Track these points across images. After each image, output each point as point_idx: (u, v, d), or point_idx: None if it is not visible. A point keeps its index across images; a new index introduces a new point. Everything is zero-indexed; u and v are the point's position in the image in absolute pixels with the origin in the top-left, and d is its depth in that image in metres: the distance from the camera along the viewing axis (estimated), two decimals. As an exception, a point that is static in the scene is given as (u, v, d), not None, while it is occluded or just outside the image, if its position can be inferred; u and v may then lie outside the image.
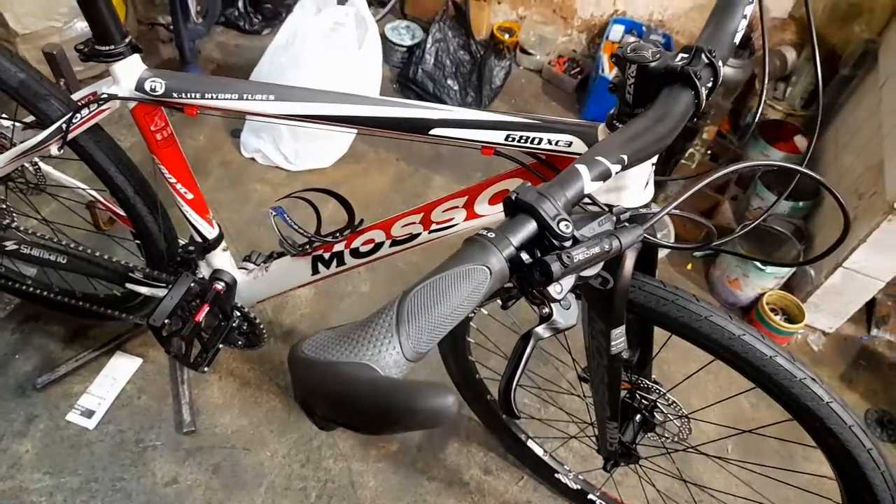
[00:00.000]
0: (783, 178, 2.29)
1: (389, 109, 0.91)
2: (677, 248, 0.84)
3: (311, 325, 1.81)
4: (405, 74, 2.45)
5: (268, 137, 2.10)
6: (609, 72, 2.45)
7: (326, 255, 1.18)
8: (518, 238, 0.49)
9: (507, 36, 2.68)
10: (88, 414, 1.54)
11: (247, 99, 0.95)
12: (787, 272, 1.99)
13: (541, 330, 0.52)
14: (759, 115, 0.87)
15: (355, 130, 0.93)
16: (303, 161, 2.14)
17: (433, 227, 1.04)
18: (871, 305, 2.13)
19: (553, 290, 0.50)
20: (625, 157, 0.58)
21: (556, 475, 1.55)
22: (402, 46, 2.50)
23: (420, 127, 0.90)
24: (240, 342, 1.43)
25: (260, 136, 2.12)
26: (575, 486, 1.53)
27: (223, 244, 1.29)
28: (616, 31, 2.55)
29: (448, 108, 0.90)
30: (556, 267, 0.49)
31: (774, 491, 1.36)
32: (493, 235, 0.49)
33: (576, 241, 0.52)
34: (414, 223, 1.05)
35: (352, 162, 2.22)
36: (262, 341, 1.43)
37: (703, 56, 0.69)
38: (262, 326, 1.39)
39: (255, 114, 0.96)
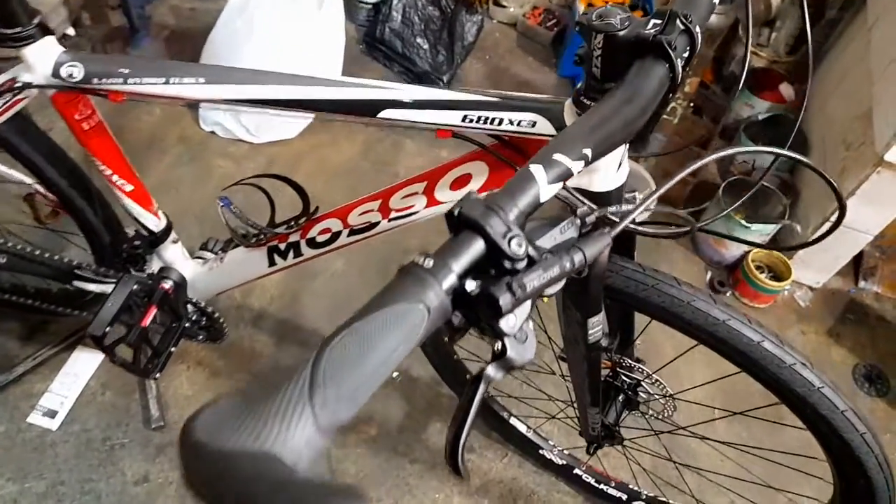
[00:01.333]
0: (768, 129, 2.20)
1: (331, 90, 0.81)
2: (658, 235, 0.76)
3: (282, 307, 1.73)
4: (371, 34, 2.32)
5: (226, 108, 1.98)
6: (586, 23, 2.33)
7: (282, 246, 1.10)
8: (461, 263, 0.42)
9: (478, -12, 2.54)
10: (51, 414, 1.47)
11: (174, 83, 0.85)
12: (772, 229, 1.93)
13: (492, 371, 0.45)
14: (746, 67, 0.78)
15: (294, 113, 0.83)
16: (266, 133, 2.03)
17: (392, 214, 0.96)
18: (858, 258, 2.08)
19: (505, 323, 0.42)
20: (588, 152, 0.50)
21: (540, 451, 1.51)
22: (367, 3, 2.36)
23: (367, 109, 0.81)
24: (200, 336, 1.35)
25: (218, 107, 2.00)
26: (560, 462, 1.50)
27: (173, 235, 1.20)
28: (592, -21, 2.42)
29: (398, 87, 0.81)
30: (505, 300, 0.41)
31: (765, 470, 1.32)
32: (432, 264, 0.41)
33: (532, 262, 0.44)
34: (372, 211, 0.97)
35: (319, 131, 2.12)
36: (224, 335, 1.35)
37: (677, 22, 0.60)
38: (222, 320, 1.31)
39: (184, 99, 0.86)
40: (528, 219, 0.47)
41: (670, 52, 0.58)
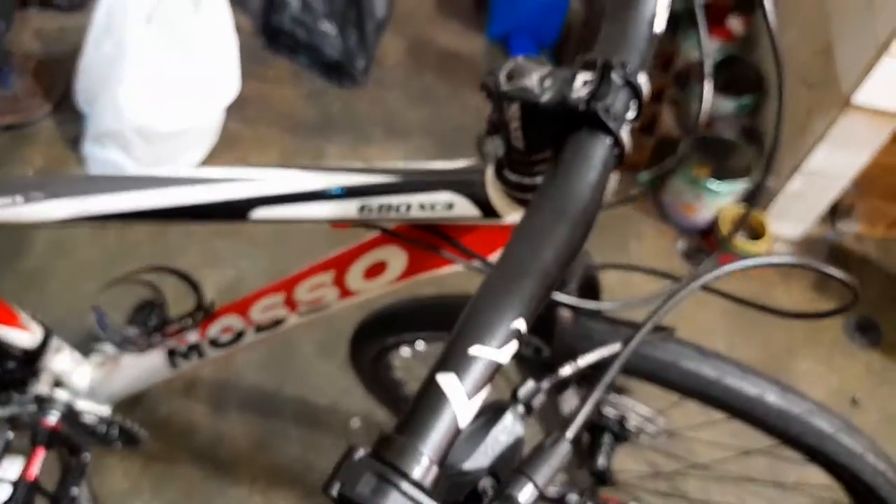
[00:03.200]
0: (721, 71, 2.01)
1: (187, 193, 0.59)
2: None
3: (216, 368, 1.52)
4: (269, 24, 2.04)
5: (113, 145, 1.71)
6: (509, -22, 2.09)
7: (182, 348, 0.89)
8: None
9: (382, -47, 2.26)
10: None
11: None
12: (742, 185, 1.77)
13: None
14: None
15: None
16: (164, 162, 1.77)
17: (301, 308, 0.75)
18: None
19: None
20: (520, 324, 0.34)
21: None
22: (259, -9, 2.07)
23: (233, 212, 0.59)
24: (117, 444, 1.15)
25: (105, 144, 1.73)
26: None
27: (55, 343, 0.98)
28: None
29: (275, 174, 0.59)
30: None
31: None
32: None
33: None
34: (276, 305, 0.76)
35: (226, 150, 1.86)
36: (143, 440, 1.15)
37: (613, 76, 0.42)
38: (135, 428, 1.11)
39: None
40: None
41: (611, 124, 0.40)
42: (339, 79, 2.03)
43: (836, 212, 1.95)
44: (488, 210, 0.56)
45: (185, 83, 1.64)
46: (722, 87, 2.00)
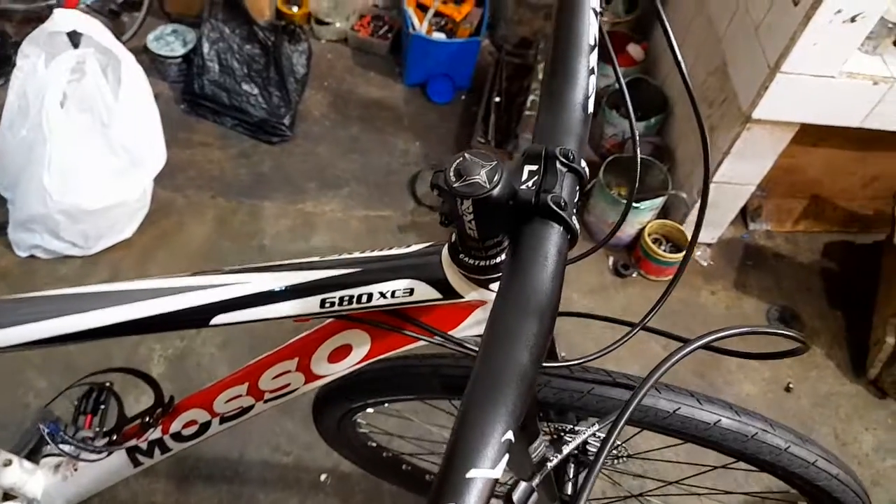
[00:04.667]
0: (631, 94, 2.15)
1: (144, 307, 0.61)
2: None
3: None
4: (190, 90, 2.05)
5: (41, 228, 1.67)
6: (420, 26, 2.17)
7: (143, 446, 0.89)
8: None
9: (295, 9, 2.31)
10: None
11: None
12: (660, 202, 1.89)
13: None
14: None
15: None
16: (97, 241, 1.74)
17: (267, 396, 0.77)
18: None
19: None
20: (509, 435, 0.36)
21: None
22: (175, 57, 2.07)
23: (193, 320, 0.61)
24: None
25: (31, 229, 1.69)
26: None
27: (2, 457, 0.96)
28: (415, -25, 2.25)
29: (231, 278, 0.62)
30: None
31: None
32: None
33: None
34: (241, 395, 0.78)
35: (160, 218, 1.85)
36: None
37: (557, 165, 0.46)
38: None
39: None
40: None
41: (563, 214, 0.44)
42: (266, 136, 2.05)
43: (747, 213, 2.10)
44: (448, 290, 0.58)
45: (109, 160, 1.63)
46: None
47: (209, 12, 2.04)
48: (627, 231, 1.95)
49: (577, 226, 0.45)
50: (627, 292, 1.91)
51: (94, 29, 1.60)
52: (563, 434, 1.11)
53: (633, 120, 0.62)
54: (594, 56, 0.55)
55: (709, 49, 1.85)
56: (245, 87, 2.03)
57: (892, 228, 1.82)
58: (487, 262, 0.55)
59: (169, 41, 2.11)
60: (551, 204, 0.44)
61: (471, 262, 0.56)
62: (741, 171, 1.78)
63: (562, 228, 0.44)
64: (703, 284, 1.97)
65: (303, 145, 2.08)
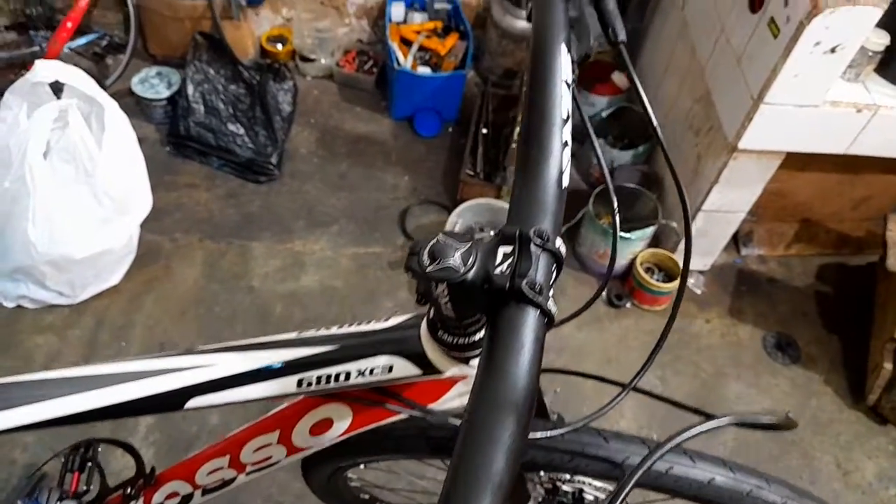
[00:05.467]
0: (614, 123, 2.15)
1: (115, 392, 0.59)
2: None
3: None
4: (176, 132, 2.04)
5: (27, 278, 1.66)
6: (405, 61, 2.17)
7: (126, 517, 0.87)
8: None
9: (279, 46, 2.31)
10: None
11: None
12: (651, 231, 1.88)
13: None
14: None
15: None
16: (84, 289, 1.72)
17: (249, 468, 0.75)
18: (734, 228, 2.08)
19: None
20: None
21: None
22: (160, 100, 2.07)
23: (166, 404, 0.60)
24: None
25: (17, 279, 1.67)
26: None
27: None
28: (397, 10, 2.26)
29: (206, 359, 0.60)
30: None
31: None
32: None
33: None
34: (222, 468, 0.76)
35: (147, 263, 1.83)
36: None
37: (531, 247, 0.45)
38: None
39: None
40: None
41: (538, 300, 0.43)
42: (254, 176, 2.04)
43: (738, 239, 2.09)
44: (427, 366, 0.57)
45: (94, 209, 1.61)
46: (617, 138, 2.13)
47: (193, 54, 2.05)
48: (619, 261, 1.94)
49: (555, 309, 0.44)
50: (622, 323, 1.90)
51: (76, 78, 1.59)
52: (557, 483, 1.09)
53: (602, 160, 0.62)
54: (567, 129, 0.54)
55: (693, 76, 1.86)
56: (231, 127, 2.03)
57: (883, 251, 1.81)
58: (466, 340, 0.54)
59: (153, 84, 2.10)
60: (526, 290, 0.42)
61: (449, 339, 0.55)
62: (730, 198, 1.78)
63: (537, 311, 0.43)
64: (697, 313, 1.96)
65: (290, 184, 2.07)
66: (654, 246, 1.96)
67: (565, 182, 0.52)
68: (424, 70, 2.17)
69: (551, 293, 0.45)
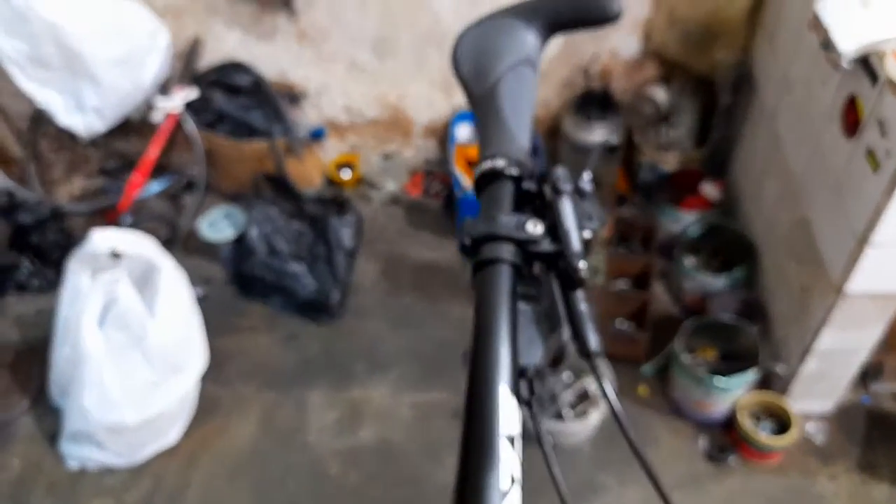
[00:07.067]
0: (707, 241, 1.92)
1: None
2: None
3: None
4: (239, 272, 2.03)
5: (87, 441, 1.65)
6: (469, 186, 2.06)
7: None
8: None
9: (347, 174, 2.28)
10: None
11: None
12: (752, 379, 1.61)
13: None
14: None
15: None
16: (141, 449, 1.69)
17: None
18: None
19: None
20: None
21: None
22: (226, 241, 2.08)
23: None
24: None
25: (79, 442, 1.67)
26: None
27: None
28: (463, 131, 2.17)
29: None
30: None
31: None
32: None
33: None
34: None
35: (204, 419, 1.79)
36: None
37: None
38: None
39: None
40: None
41: None
42: (314, 316, 1.98)
43: (867, 373, 1.76)
44: None
45: (146, 373, 1.59)
46: (708, 261, 1.89)
47: (256, 191, 2.05)
48: (719, 408, 1.67)
49: None
50: (726, 485, 1.62)
51: (132, 242, 1.61)
52: None
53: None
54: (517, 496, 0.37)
55: (790, 197, 1.61)
56: (292, 266, 1.99)
57: None
58: None
59: (220, 226, 2.12)
60: None
61: None
62: (846, 340, 1.50)
63: None
64: (819, 468, 1.64)
65: (351, 322, 1.98)
66: (761, 387, 1.68)
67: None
68: (491, 193, 2.05)
69: None
